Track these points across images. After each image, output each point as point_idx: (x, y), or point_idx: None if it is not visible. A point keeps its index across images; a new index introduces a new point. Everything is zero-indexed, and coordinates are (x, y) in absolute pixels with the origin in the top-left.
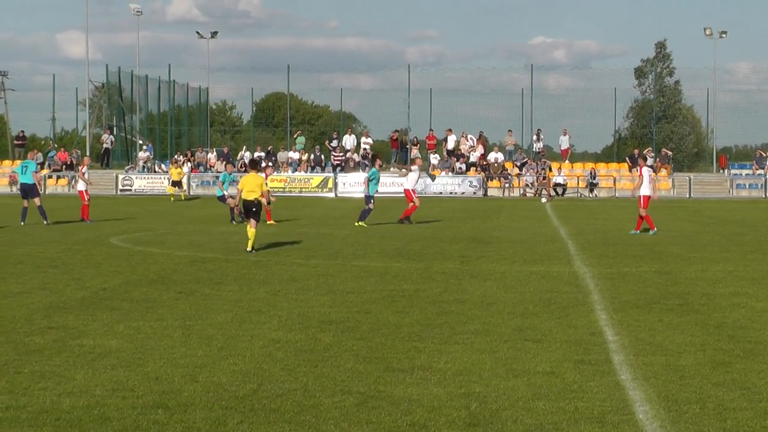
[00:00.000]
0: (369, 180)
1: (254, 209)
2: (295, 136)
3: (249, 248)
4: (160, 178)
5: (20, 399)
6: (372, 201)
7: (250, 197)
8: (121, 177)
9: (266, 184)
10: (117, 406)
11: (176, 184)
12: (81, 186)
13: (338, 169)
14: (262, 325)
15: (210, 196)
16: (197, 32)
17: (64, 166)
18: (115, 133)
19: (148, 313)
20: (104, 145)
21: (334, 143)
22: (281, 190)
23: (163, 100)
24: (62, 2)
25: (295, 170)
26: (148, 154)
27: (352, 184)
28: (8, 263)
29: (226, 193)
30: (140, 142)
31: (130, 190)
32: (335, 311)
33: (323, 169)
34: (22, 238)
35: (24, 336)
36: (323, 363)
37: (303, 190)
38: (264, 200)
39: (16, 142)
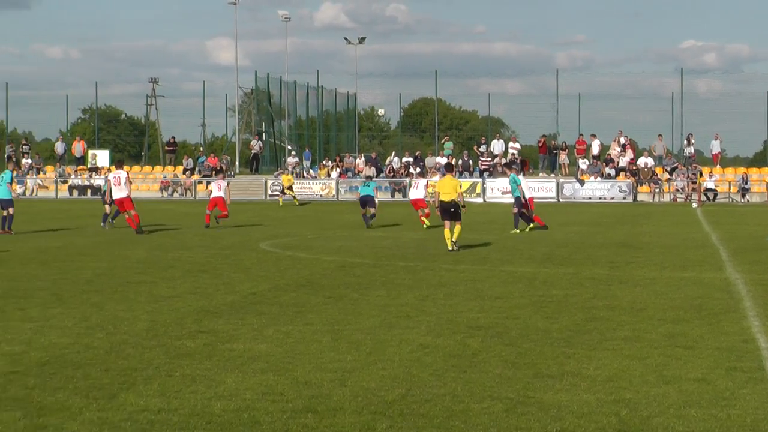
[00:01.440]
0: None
1: (452, 210)
2: (442, 142)
3: (450, 248)
4: (309, 183)
5: (172, 402)
6: (519, 205)
7: (447, 198)
8: (270, 182)
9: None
10: (266, 410)
11: (288, 189)
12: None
13: (486, 174)
14: (411, 330)
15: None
16: (345, 38)
17: (213, 172)
18: (263, 138)
19: (297, 318)
20: (253, 151)
21: (482, 148)
22: (429, 195)
23: (312, 105)
24: (212, 10)
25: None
26: (296, 159)
27: (500, 189)
28: (159, 268)
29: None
30: (289, 147)
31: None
32: (483, 317)
33: (471, 175)
34: (173, 243)
35: (175, 340)
36: (472, 368)
37: None
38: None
39: (167, 147)
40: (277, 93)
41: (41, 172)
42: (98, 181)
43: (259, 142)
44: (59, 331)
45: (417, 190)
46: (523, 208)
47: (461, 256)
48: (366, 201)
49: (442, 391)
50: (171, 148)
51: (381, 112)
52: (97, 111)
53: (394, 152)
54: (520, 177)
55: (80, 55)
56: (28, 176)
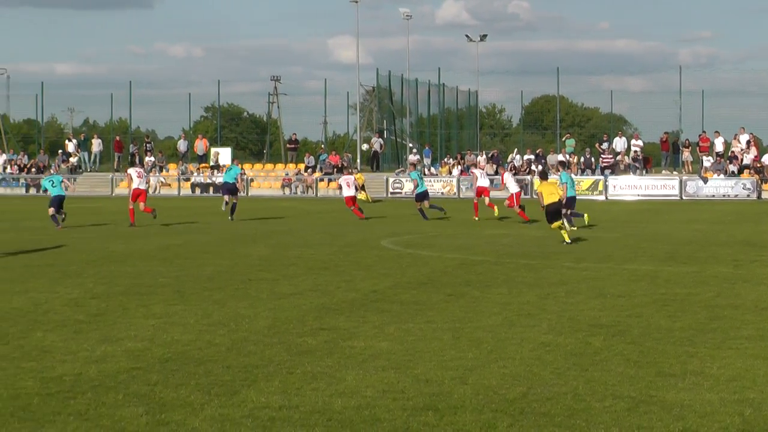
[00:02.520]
0: None
1: (559, 210)
2: (564, 139)
3: (567, 240)
4: (430, 180)
5: (293, 399)
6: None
7: (554, 199)
8: (391, 180)
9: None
10: (387, 408)
11: (360, 189)
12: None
13: (608, 171)
14: (532, 329)
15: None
16: (466, 35)
17: (335, 169)
18: (384, 136)
19: (418, 316)
20: (374, 149)
21: (604, 146)
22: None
23: (433, 103)
24: (334, 9)
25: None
26: (417, 157)
27: (622, 187)
28: (281, 265)
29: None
30: (410, 145)
31: (400, 192)
32: (605, 315)
33: (593, 172)
34: (294, 241)
35: (296, 337)
36: (593, 367)
37: None
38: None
39: (288, 145)
40: (399, 91)
41: (164, 170)
42: (219, 178)
43: (380, 139)
44: (181, 328)
45: (483, 179)
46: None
47: (583, 254)
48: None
49: (563, 389)
50: (292, 146)
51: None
52: (219, 109)
53: (516, 149)
54: (569, 175)
55: (203, 53)
56: (151, 174)
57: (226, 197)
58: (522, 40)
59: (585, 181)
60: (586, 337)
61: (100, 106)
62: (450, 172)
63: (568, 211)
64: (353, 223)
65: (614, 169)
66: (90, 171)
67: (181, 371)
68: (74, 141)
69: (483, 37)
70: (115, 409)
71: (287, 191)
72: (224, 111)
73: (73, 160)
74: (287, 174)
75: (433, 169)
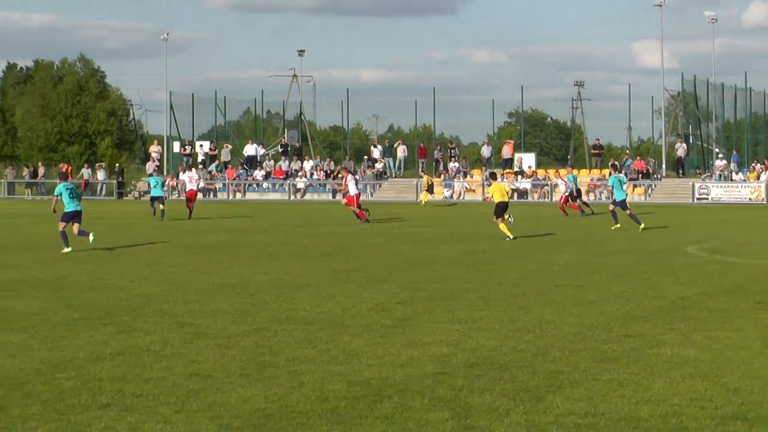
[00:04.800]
0: None
1: None
2: None
3: None
4: (737, 186)
5: (598, 406)
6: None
7: None
8: (697, 185)
9: None
10: (694, 416)
11: (429, 189)
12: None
13: None
14: None
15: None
16: None
17: (640, 175)
18: (689, 141)
19: (726, 323)
20: (678, 154)
21: None
22: None
23: (740, 107)
24: (638, 13)
25: None
26: (724, 162)
27: None
28: (586, 271)
29: None
30: (716, 150)
31: (707, 198)
32: None
33: None
34: (598, 247)
35: (601, 344)
36: None
37: None
38: None
39: (592, 151)
40: (704, 95)
41: (468, 176)
42: (524, 184)
43: (683, 144)
44: (486, 333)
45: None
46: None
47: None
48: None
49: None
50: (597, 152)
51: None
52: (523, 115)
53: None
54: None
55: (506, 59)
56: (455, 180)
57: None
58: None
59: None
60: None
61: (405, 112)
62: (758, 178)
63: None
64: (659, 230)
65: None
66: (395, 177)
67: (486, 376)
68: (379, 147)
69: None
70: (420, 413)
71: (591, 197)
72: (528, 117)
73: (378, 166)
74: (592, 179)
75: (741, 175)
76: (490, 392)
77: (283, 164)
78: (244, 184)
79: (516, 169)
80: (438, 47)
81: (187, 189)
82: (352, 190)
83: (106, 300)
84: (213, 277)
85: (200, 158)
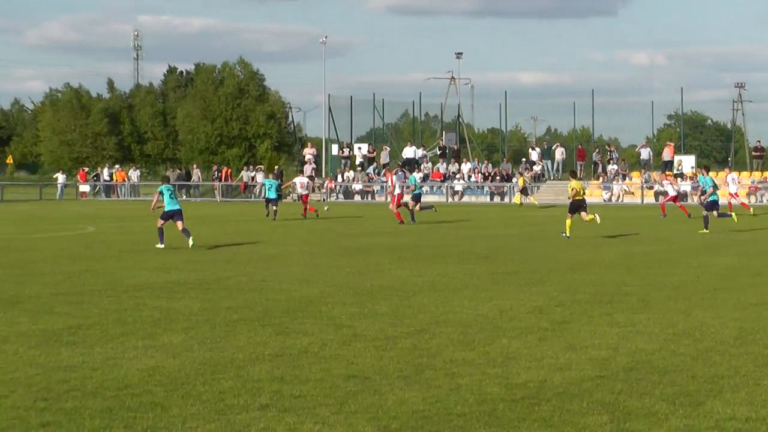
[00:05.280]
0: None
1: None
2: None
3: None
4: None
5: (760, 411)
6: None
7: None
8: None
9: None
10: None
11: (523, 191)
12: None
13: None
14: None
15: None
16: None
17: None
18: None
19: None
20: None
21: None
22: None
23: None
24: None
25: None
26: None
27: None
28: (747, 274)
29: None
30: None
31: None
32: None
33: None
34: (760, 249)
35: (763, 348)
36: None
37: None
38: None
39: (754, 153)
40: None
41: (627, 179)
42: (684, 186)
43: None
44: (645, 337)
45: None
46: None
47: None
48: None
49: None
50: (758, 154)
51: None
52: (682, 117)
53: None
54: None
55: (666, 60)
56: (614, 182)
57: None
58: None
59: None
60: None
61: (563, 114)
62: None
63: None
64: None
65: None
66: (553, 179)
67: (645, 380)
68: (537, 149)
69: None
70: (579, 416)
71: (753, 199)
72: (687, 119)
73: (536, 168)
74: (753, 182)
75: None
76: (649, 396)
77: (441, 166)
78: (402, 187)
79: (676, 171)
80: (597, 49)
81: (302, 193)
82: (396, 190)
83: (266, 301)
84: (371, 280)
85: (358, 160)
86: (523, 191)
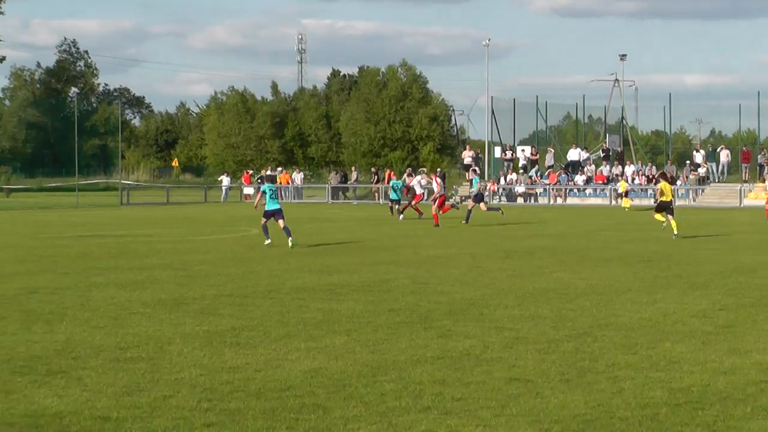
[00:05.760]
0: None
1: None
2: None
3: None
4: None
5: None
6: None
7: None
8: None
9: None
10: None
11: (624, 195)
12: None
13: None
14: None
15: None
16: None
17: None
18: None
19: None
20: None
21: None
22: None
23: None
24: None
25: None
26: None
27: None
28: None
29: None
30: None
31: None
32: None
33: None
34: None
35: None
36: None
37: None
38: None
39: None
40: None
41: None
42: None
43: None
44: None
45: None
46: None
47: None
48: None
49: None
50: None
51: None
52: None
53: None
54: None
55: None
56: None
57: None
58: None
59: None
60: None
61: (728, 116)
62: None
63: None
64: None
65: None
66: (718, 182)
67: None
68: (702, 152)
69: None
70: (743, 422)
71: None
72: None
73: (700, 170)
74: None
75: None
76: None
77: (604, 169)
78: (565, 189)
79: None
80: (763, 50)
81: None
82: (418, 190)
83: (428, 304)
84: (533, 282)
85: (521, 163)
86: (626, 195)
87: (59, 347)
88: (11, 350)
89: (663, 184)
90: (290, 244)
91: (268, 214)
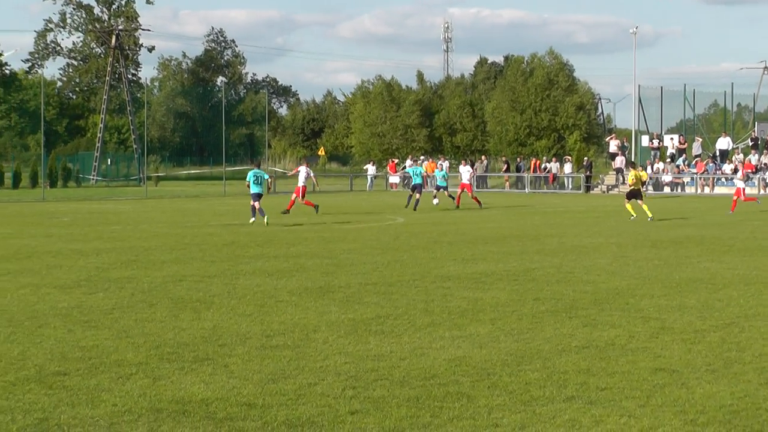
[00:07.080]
0: None
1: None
2: None
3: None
4: None
5: None
6: None
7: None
8: None
9: None
10: None
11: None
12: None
13: None
14: None
15: None
16: None
17: None
18: None
19: None
20: None
21: None
22: None
23: None
24: None
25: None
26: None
27: None
28: None
29: None
30: None
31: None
32: None
33: None
34: None
35: None
36: None
37: None
38: None
39: None
40: None
41: None
42: None
43: None
44: None
45: None
46: None
47: None
48: None
49: None
50: None
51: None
52: None
53: None
54: None
55: None
56: None
57: None
58: None
59: None
60: None
61: None
62: None
63: None
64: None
65: None
66: None
67: None
68: None
69: None
70: None
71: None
72: None
73: None
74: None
75: None
76: None
77: (753, 158)
78: (713, 178)
79: None
80: None
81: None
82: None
83: (573, 293)
84: (679, 272)
85: (669, 152)
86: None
87: (206, 334)
88: (159, 337)
89: (633, 173)
90: (265, 221)
91: (255, 198)
